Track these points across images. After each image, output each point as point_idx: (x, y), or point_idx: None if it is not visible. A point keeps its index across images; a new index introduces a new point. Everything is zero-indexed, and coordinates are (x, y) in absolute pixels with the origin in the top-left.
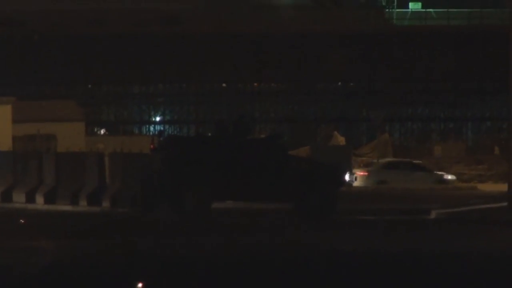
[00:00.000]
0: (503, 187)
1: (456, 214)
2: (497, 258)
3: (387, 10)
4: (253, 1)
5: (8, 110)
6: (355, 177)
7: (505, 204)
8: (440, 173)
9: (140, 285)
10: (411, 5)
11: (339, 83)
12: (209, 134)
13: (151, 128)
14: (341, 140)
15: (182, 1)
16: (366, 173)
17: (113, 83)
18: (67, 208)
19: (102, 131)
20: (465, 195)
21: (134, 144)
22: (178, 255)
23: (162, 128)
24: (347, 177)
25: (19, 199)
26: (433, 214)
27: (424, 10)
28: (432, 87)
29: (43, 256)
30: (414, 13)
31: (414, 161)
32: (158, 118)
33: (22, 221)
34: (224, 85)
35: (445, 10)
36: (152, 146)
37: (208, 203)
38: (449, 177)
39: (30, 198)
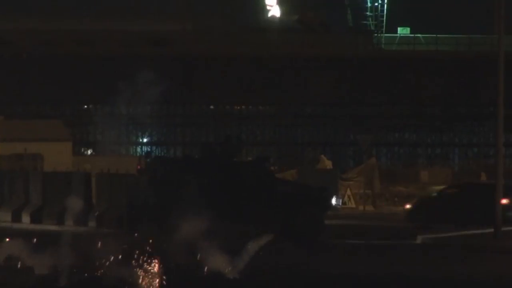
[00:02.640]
0: None
1: (442, 239)
2: (479, 285)
3: (375, 34)
4: (242, 24)
5: None
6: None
7: (491, 230)
8: None
9: None
10: (399, 30)
11: (327, 107)
12: (196, 156)
13: (138, 149)
14: (328, 163)
15: (170, 23)
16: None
17: (101, 103)
18: (53, 227)
19: (89, 151)
20: None
21: (121, 165)
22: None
23: (149, 150)
24: (333, 200)
25: (5, 218)
26: (419, 239)
27: (412, 35)
28: (420, 112)
29: (28, 275)
30: (402, 38)
31: None
32: (145, 139)
33: (7, 240)
34: (211, 107)
35: (434, 35)
36: (138, 167)
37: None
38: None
39: (16, 217)
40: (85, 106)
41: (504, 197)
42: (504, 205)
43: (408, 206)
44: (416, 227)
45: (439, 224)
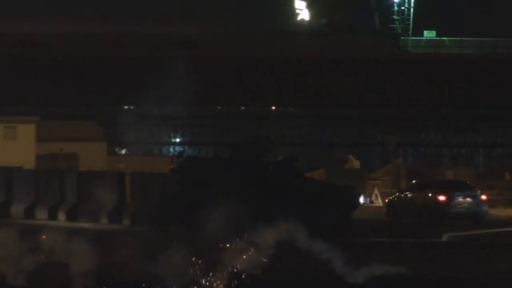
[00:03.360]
0: None
1: (467, 237)
2: (504, 282)
3: (402, 37)
4: (270, 26)
5: (31, 129)
6: None
7: None
8: None
9: None
10: (425, 33)
11: (354, 108)
12: (227, 156)
13: (171, 149)
14: (356, 163)
15: (200, 25)
16: None
17: (134, 104)
18: (88, 225)
19: (123, 151)
20: None
21: (154, 164)
22: None
23: (181, 149)
24: (361, 199)
25: (41, 216)
26: (444, 237)
27: (438, 38)
28: (445, 113)
29: (63, 272)
30: (428, 41)
31: None
32: (177, 140)
33: (43, 237)
34: (242, 108)
35: (459, 38)
36: (171, 167)
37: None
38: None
39: (52, 215)
40: (119, 107)
41: (443, 194)
42: (442, 202)
43: (386, 200)
44: (390, 221)
45: (401, 218)
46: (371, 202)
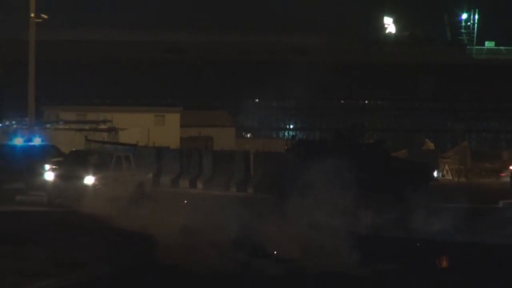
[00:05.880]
0: None
1: None
2: None
3: (468, 47)
4: (365, 38)
5: (177, 117)
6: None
7: None
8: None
9: None
10: (486, 43)
11: (430, 102)
12: (330, 139)
13: (286, 133)
14: (431, 145)
15: (311, 36)
16: None
17: (258, 98)
18: (220, 193)
19: (248, 135)
20: None
21: (272, 145)
22: None
23: (294, 134)
24: (435, 174)
25: (184, 185)
26: (500, 204)
27: (496, 48)
28: (502, 106)
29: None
30: (488, 49)
31: None
32: (291, 126)
33: (185, 201)
34: (342, 101)
35: None
36: (286, 147)
37: None
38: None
39: (193, 185)
40: (246, 100)
41: None
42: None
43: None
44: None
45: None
46: (443, 176)
